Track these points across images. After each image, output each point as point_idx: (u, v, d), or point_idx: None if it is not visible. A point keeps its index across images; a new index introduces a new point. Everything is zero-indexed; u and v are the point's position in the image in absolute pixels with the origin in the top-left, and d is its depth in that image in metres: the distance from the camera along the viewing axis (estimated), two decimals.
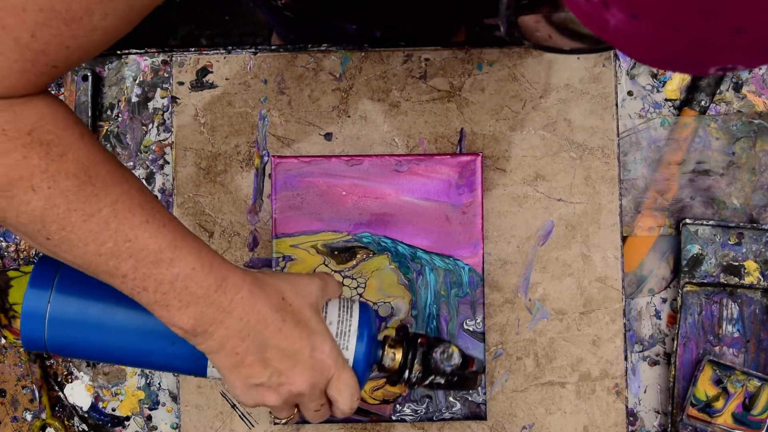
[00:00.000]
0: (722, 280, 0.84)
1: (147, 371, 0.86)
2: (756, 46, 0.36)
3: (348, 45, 0.86)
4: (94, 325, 0.60)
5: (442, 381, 0.65)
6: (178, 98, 0.86)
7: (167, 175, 0.87)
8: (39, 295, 0.60)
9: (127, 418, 0.86)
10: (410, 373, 0.64)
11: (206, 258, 0.56)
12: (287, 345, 0.58)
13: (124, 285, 0.55)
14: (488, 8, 0.72)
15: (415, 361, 0.64)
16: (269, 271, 0.61)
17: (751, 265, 0.84)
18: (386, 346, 0.65)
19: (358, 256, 0.83)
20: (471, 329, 0.82)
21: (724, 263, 0.84)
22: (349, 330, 0.62)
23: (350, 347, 0.62)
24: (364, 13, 0.77)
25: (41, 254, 0.62)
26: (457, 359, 0.64)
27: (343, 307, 0.63)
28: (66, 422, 0.86)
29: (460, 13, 0.77)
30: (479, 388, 0.82)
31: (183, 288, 0.55)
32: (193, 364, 0.61)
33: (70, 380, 0.86)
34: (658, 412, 0.86)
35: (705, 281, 0.84)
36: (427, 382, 0.65)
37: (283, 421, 0.63)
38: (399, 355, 0.64)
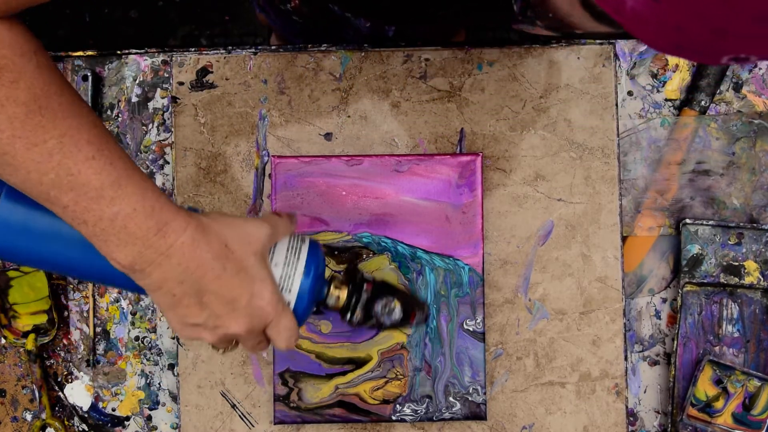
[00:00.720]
0: (722, 280, 0.84)
1: (147, 371, 0.86)
2: None
3: (348, 45, 0.86)
4: (41, 233, 0.60)
5: (382, 326, 0.67)
6: (178, 98, 0.86)
7: (167, 175, 0.87)
8: None
9: (127, 418, 0.86)
10: (352, 315, 0.66)
11: (150, 200, 0.56)
12: (226, 292, 0.58)
13: (65, 215, 0.55)
14: (498, 6, 0.72)
15: (358, 307, 0.66)
16: (217, 215, 0.60)
17: (751, 265, 0.84)
18: (332, 286, 0.66)
19: (359, 256, 0.83)
20: (471, 329, 0.82)
21: (724, 263, 0.84)
22: (295, 272, 0.63)
23: (293, 289, 0.62)
24: (379, 8, 0.77)
25: None
26: (397, 315, 0.66)
27: (292, 248, 0.64)
28: (66, 422, 0.86)
29: (472, 10, 0.76)
30: (480, 390, 0.82)
31: (122, 227, 0.55)
32: (136, 284, 0.61)
33: (70, 380, 0.86)
34: (658, 412, 0.86)
35: (705, 281, 0.84)
36: (368, 324, 0.67)
37: (221, 351, 0.64)
38: (343, 297, 0.66)
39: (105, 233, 0.55)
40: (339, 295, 0.66)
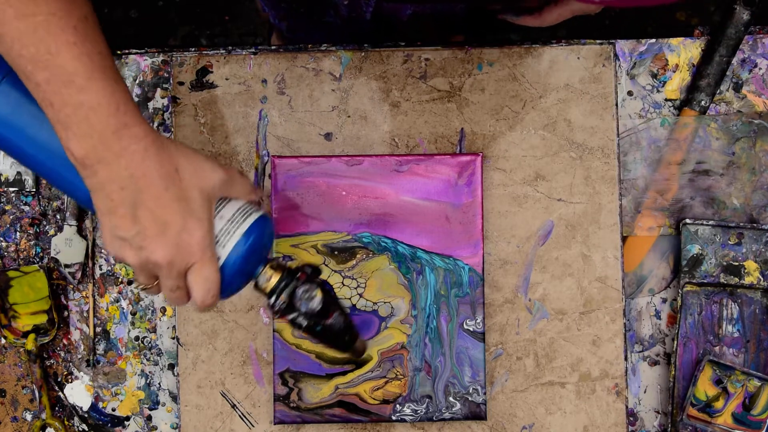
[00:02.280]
0: (722, 280, 0.84)
1: (147, 371, 0.86)
2: None
3: (348, 45, 0.86)
4: (23, 127, 0.61)
5: (304, 323, 0.65)
6: (178, 98, 0.86)
7: None
8: None
9: (127, 418, 0.86)
10: (276, 299, 0.64)
11: (117, 101, 0.57)
12: (160, 213, 0.58)
13: (37, 93, 0.56)
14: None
15: (284, 292, 0.64)
16: (180, 143, 0.61)
17: (751, 265, 0.84)
18: (267, 266, 0.65)
19: (358, 256, 0.83)
20: (471, 329, 0.82)
21: (724, 263, 0.84)
22: (235, 231, 0.62)
23: (227, 246, 0.62)
24: None
25: None
26: (316, 304, 0.64)
27: (242, 210, 0.63)
28: (66, 422, 0.86)
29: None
30: (480, 390, 0.82)
31: (84, 117, 0.56)
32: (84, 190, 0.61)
33: (70, 380, 0.86)
34: (658, 412, 0.86)
35: (705, 281, 0.84)
36: (290, 317, 0.65)
37: (141, 287, 0.63)
38: (274, 279, 0.65)
39: (68, 120, 0.56)
40: (271, 276, 0.65)
